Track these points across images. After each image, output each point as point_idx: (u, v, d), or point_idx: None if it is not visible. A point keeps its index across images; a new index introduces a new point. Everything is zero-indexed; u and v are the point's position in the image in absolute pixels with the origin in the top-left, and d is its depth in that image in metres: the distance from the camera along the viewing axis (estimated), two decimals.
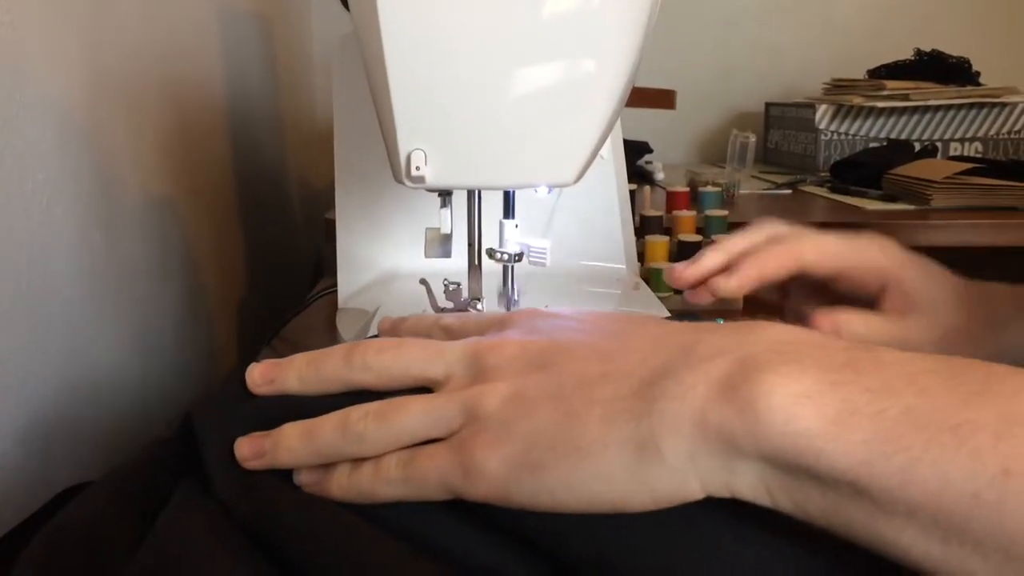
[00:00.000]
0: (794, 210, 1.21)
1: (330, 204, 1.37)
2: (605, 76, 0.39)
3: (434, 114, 0.38)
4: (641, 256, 0.95)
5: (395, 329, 0.41)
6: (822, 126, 1.48)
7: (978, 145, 1.49)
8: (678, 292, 0.92)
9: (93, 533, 0.35)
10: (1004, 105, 1.47)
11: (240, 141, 1.20)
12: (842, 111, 1.47)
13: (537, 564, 0.31)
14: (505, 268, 0.45)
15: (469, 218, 0.44)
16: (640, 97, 1.24)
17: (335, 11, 1.49)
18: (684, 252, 0.93)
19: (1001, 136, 1.49)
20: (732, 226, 0.99)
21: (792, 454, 0.27)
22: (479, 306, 0.46)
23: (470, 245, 0.45)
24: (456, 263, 0.48)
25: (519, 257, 0.44)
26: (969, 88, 1.48)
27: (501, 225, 0.43)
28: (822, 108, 1.47)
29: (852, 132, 1.48)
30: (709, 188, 1.03)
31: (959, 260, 1.31)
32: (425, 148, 0.39)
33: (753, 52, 1.76)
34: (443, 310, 0.46)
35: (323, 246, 1.28)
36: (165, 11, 0.91)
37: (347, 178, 0.63)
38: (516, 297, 0.46)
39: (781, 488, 0.28)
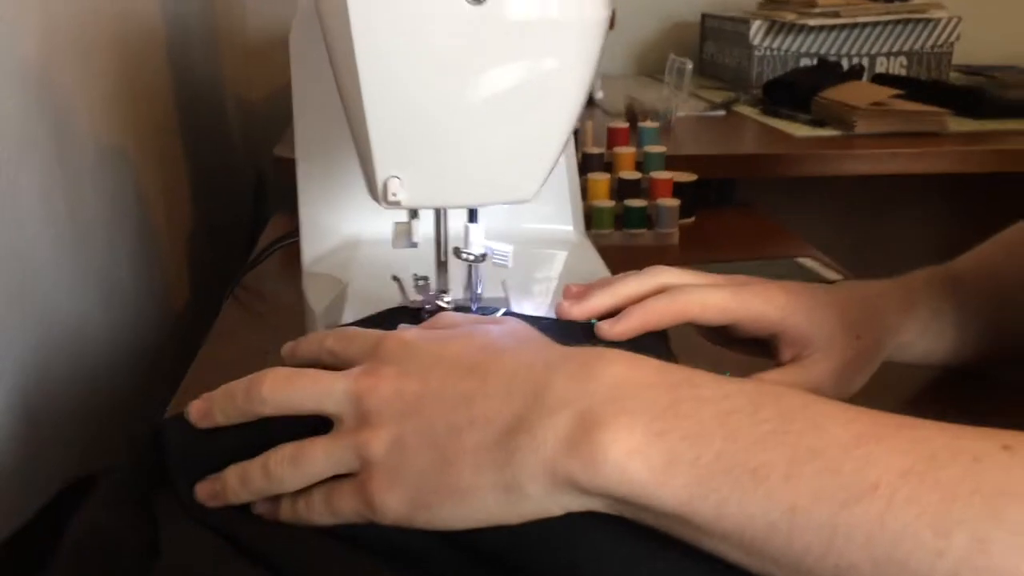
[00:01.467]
0: (728, 135, 1.26)
1: (270, 127, 1.36)
2: (560, 109, 0.43)
3: (407, 146, 0.42)
4: (584, 192, 0.99)
5: (292, 352, 0.46)
6: (756, 42, 1.51)
7: (903, 59, 1.55)
8: (619, 228, 0.97)
9: (110, 543, 0.40)
10: (928, 21, 1.52)
11: (177, 65, 1.19)
12: (775, 27, 1.50)
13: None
14: (470, 267, 0.49)
15: (436, 225, 0.48)
16: None
17: None
18: (624, 191, 0.98)
19: (925, 51, 1.54)
20: (669, 160, 1.03)
21: (629, 497, 0.33)
22: (446, 298, 0.50)
23: (437, 245, 0.49)
24: (421, 250, 0.52)
25: (483, 258, 0.48)
26: (896, 4, 1.52)
27: (467, 229, 0.48)
28: (756, 24, 1.50)
29: (785, 48, 1.52)
30: (647, 124, 1.07)
31: (882, 189, 1.37)
32: (400, 175, 0.42)
33: None
34: (412, 303, 0.50)
35: (268, 173, 1.29)
36: None
37: (308, 150, 0.66)
38: (480, 292, 0.50)
39: (627, 511, 0.34)
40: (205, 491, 0.41)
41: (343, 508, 0.38)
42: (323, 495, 0.39)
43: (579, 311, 0.49)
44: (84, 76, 0.82)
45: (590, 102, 1.45)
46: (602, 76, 1.55)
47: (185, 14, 1.26)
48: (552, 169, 0.45)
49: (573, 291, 0.50)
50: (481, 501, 0.35)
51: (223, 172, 1.41)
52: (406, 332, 0.41)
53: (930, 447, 0.31)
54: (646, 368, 0.36)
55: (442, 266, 0.50)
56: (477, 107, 0.42)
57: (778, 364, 0.52)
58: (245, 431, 0.41)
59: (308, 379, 0.40)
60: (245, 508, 0.41)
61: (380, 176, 0.43)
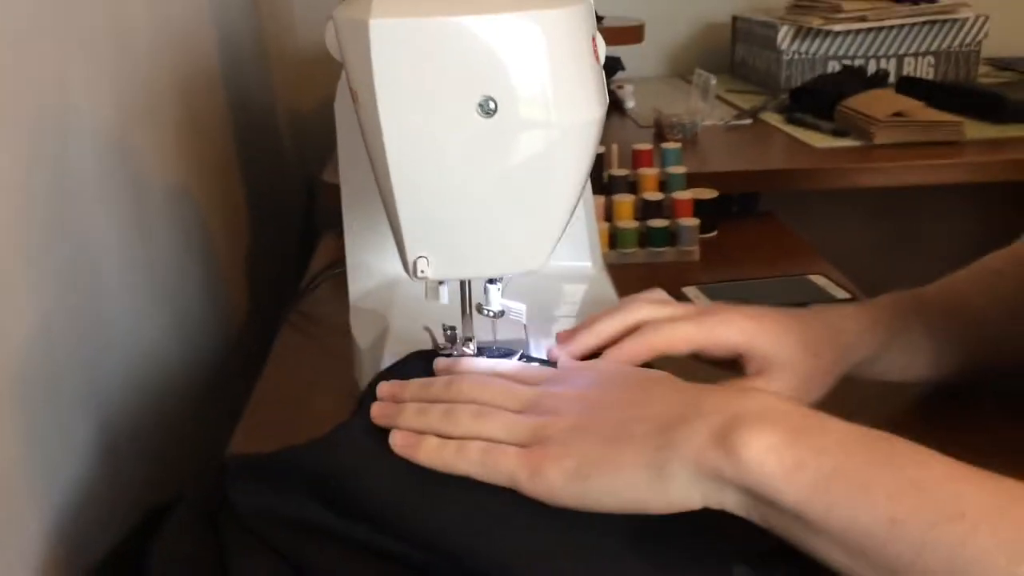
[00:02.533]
0: (751, 147, 1.31)
1: (321, 136, 1.43)
2: (562, 192, 0.50)
3: (432, 230, 0.50)
4: (610, 213, 1.06)
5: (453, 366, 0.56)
6: (783, 47, 1.55)
7: (931, 59, 1.58)
8: (643, 246, 1.04)
9: (189, 565, 0.49)
10: (955, 20, 1.55)
11: (232, 89, 1.28)
12: (802, 32, 1.54)
13: None
14: (491, 320, 0.57)
15: (460, 288, 0.56)
16: (609, 36, 1.34)
17: None
18: (648, 211, 1.05)
19: (952, 49, 1.57)
20: (693, 177, 1.09)
21: (760, 487, 0.40)
22: (471, 345, 0.58)
23: (462, 301, 0.57)
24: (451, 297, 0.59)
25: (501, 314, 0.56)
26: (923, 5, 1.55)
27: (486, 289, 0.55)
28: (783, 29, 1.55)
29: (812, 51, 1.56)
30: (670, 145, 1.13)
31: (906, 195, 1.41)
32: (427, 255, 0.51)
33: None
34: (443, 348, 0.58)
35: (317, 185, 1.37)
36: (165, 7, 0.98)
37: (352, 196, 0.74)
38: (499, 337, 0.58)
39: (753, 507, 0.42)
40: (378, 411, 0.51)
41: (500, 466, 0.45)
42: (483, 448, 0.46)
43: (571, 351, 0.57)
44: (153, 127, 0.91)
45: (622, 112, 1.52)
46: (634, 84, 1.61)
47: (237, 37, 1.35)
48: (557, 242, 0.52)
49: (562, 336, 0.58)
50: (634, 478, 0.43)
51: (277, 186, 1.51)
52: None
53: (1012, 492, 0.38)
54: (786, 401, 0.44)
55: (467, 318, 0.57)
56: (491, 197, 0.49)
57: (745, 377, 0.58)
58: (301, 477, 0.49)
59: (501, 386, 0.50)
60: (306, 534, 0.49)
61: (410, 256, 0.51)
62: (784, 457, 0.40)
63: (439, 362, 0.56)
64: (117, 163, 0.80)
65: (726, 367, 0.59)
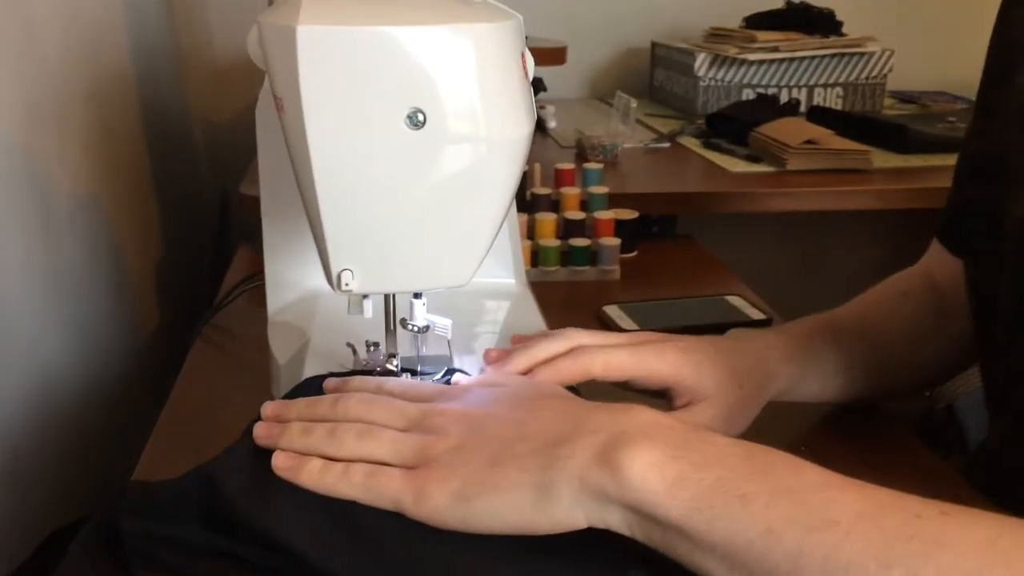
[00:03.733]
0: (670, 170, 1.34)
1: (236, 147, 1.39)
2: (489, 209, 0.50)
3: (357, 243, 0.49)
4: (532, 231, 1.06)
5: (342, 385, 0.54)
6: (700, 73, 1.59)
7: (839, 90, 1.64)
8: (564, 265, 1.05)
9: None
10: (863, 54, 1.62)
11: (147, 101, 1.24)
12: (718, 60, 1.58)
13: None
14: (415, 336, 0.56)
15: (385, 302, 0.55)
16: (532, 56, 1.34)
17: None
18: (570, 230, 1.05)
19: (860, 81, 1.64)
20: (614, 197, 1.11)
21: (642, 504, 0.41)
22: (395, 362, 0.57)
23: (387, 315, 0.56)
24: (374, 311, 0.58)
25: (426, 329, 0.55)
26: (832, 39, 1.61)
27: (411, 303, 0.55)
28: (700, 57, 1.59)
29: (728, 79, 1.60)
30: (592, 165, 1.14)
31: (818, 219, 1.45)
32: (352, 267, 0.50)
33: None
34: (364, 364, 0.57)
35: (232, 196, 1.34)
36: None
37: (272, 207, 0.72)
38: (425, 352, 0.57)
39: (636, 525, 0.42)
40: (262, 431, 0.49)
41: (385, 489, 0.44)
42: (367, 471, 0.45)
43: (498, 372, 0.55)
44: (63, 136, 0.88)
45: (544, 132, 1.53)
46: (556, 105, 1.62)
47: (152, 48, 1.31)
48: (484, 258, 0.52)
49: (492, 355, 0.57)
50: (519, 498, 0.42)
51: (190, 197, 1.47)
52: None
53: (882, 499, 0.39)
54: (667, 417, 0.45)
55: (391, 333, 0.57)
56: (417, 211, 0.49)
57: (673, 409, 0.59)
58: (198, 505, 0.47)
59: (386, 404, 0.49)
60: (201, 558, 0.47)
61: (335, 269, 0.50)
62: (666, 473, 0.40)
63: (329, 382, 0.55)
64: (21, 169, 0.77)
65: (655, 395, 0.60)
